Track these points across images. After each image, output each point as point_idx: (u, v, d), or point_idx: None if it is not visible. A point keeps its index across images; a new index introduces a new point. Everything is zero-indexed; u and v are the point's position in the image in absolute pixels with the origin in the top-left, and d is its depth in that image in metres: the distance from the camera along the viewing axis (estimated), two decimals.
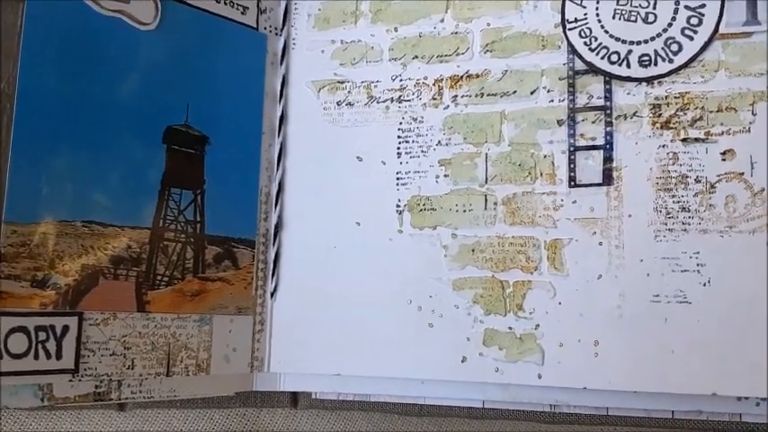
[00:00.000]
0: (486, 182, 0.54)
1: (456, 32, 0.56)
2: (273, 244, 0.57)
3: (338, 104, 0.58)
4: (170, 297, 0.52)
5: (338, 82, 0.58)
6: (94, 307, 0.48)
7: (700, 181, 0.49)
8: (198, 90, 0.54)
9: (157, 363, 0.51)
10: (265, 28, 0.58)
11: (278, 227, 0.58)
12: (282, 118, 0.58)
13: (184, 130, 0.53)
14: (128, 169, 0.50)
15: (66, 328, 0.46)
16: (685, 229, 0.49)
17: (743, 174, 0.48)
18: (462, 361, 0.53)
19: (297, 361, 0.56)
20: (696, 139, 0.49)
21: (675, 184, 0.49)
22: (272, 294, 0.57)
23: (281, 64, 0.59)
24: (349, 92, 0.58)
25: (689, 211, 0.49)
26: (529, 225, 0.52)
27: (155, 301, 0.51)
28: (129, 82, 0.51)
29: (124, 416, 0.58)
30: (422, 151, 0.56)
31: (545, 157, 0.53)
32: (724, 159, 0.49)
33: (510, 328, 0.52)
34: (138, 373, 0.50)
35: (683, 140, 0.50)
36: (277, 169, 0.58)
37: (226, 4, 0.56)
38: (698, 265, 0.48)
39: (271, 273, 0.57)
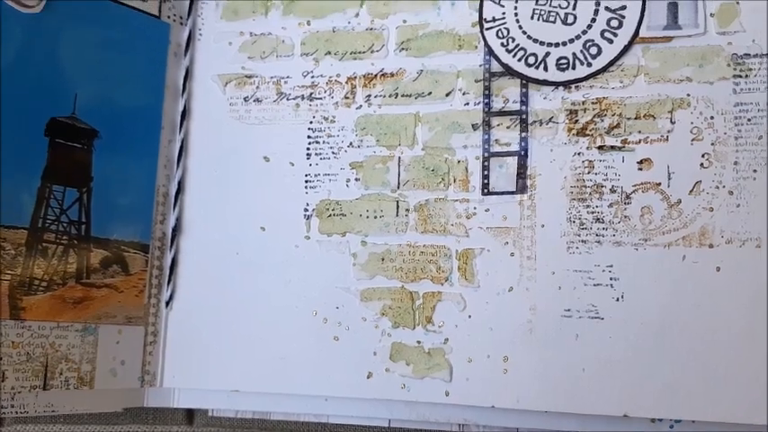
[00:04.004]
0: (398, 187, 0.51)
1: (371, 28, 0.52)
2: (170, 249, 0.53)
3: (245, 100, 0.54)
4: (49, 304, 0.48)
5: (246, 76, 0.54)
6: None
7: (615, 191, 0.47)
8: (89, 80, 0.50)
9: (33, 375, 0.47)
10: (169, 17, 0.54)
11: (176, 230, 0.54)
12: (185, 113, 0.54)
13: (70, 123, 0.49)
14: (3, 163, 0.46)
15: None
16: (599, 241, 0.47)
17: (659, 184, 0.46)
18: (368, 377, 0.49)
19: (192, 375, 0.52)
20: (612, 147, 0.47)
21: (590, 194, 0.47)
22: (167, 303, 0.53)
23: (186, 55, 0.55)
24: (257, 87, 0.54)
25: (603, 222, 0.47)
26: (441, 233, 0.50)
27: (31, 307, 0.47)
28: (7, 67, 0.46)
29: None
30: (332, 153, 0.52)
31: (459, 162, 0.50)
32: (641, 169, 0.47)
33: (418, 341, 0.49)
34: (11, 386, 0.46)
35: (599, 148, 0.47)
36: (177, 168, 0.54)
37: None
38: (611, 278, 0.46)
39: (166, 280, 0.53)
